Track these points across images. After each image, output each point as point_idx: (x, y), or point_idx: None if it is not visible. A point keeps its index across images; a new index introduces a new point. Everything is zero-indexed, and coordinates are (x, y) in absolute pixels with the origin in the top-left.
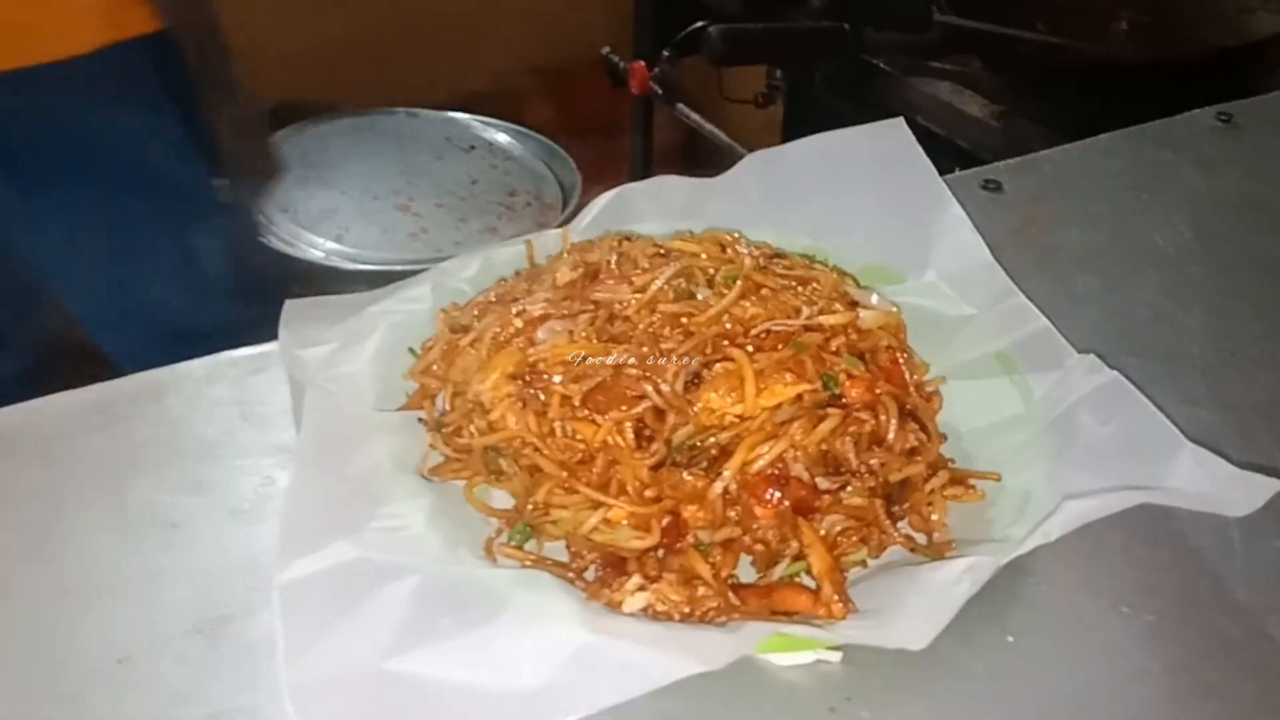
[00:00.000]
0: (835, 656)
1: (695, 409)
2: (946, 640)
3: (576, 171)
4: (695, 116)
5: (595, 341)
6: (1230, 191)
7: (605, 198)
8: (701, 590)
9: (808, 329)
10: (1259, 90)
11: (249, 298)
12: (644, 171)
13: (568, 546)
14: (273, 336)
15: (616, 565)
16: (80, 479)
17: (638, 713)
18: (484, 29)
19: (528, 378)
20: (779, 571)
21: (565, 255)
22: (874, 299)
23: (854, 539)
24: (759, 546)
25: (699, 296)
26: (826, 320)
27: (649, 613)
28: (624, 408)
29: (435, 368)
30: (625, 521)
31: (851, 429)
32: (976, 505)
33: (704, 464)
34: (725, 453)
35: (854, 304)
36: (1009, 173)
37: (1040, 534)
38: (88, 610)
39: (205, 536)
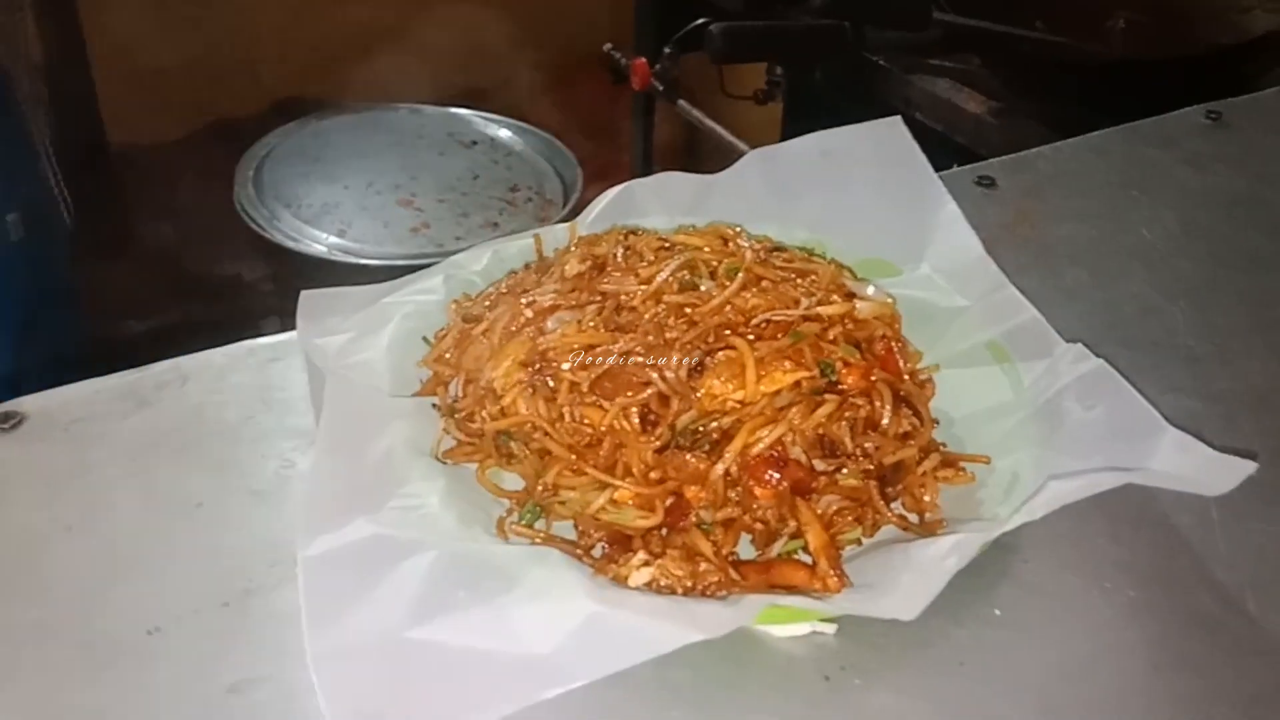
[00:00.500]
0: (830, 629)
1: (698, 395)
2: (937, 615)
3: (578, 167)
4: (696, 113)
5: (603, 331)
6: (1218, 188)
7: (611, 193)
8: (703, 566)
9: (806, 319)
10: (1253, 88)
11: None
12: (645, 167)
13: (576, 525)
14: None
15: (622, 543)
16: (110, 461)
17: (643, 680)
18: (486, 25)
19: (538, 365)
20: (777, 549)
21: (573, 248)
22: (870, 290)
23: (849, 518)
24: (758, 525)
25: (702, 288)
26: (825, 311)
27: (653, 586)
28: (630, 394)
29: (448, 356)
30: (631, 502)
31: (848, 414)
32: (967, 487)
33: (706, 447)
34: (727, 436)
35: (851, 295)
36: (1003, 169)
37: (1026, 512)
38: (119, 584)
39: (229, 515)
